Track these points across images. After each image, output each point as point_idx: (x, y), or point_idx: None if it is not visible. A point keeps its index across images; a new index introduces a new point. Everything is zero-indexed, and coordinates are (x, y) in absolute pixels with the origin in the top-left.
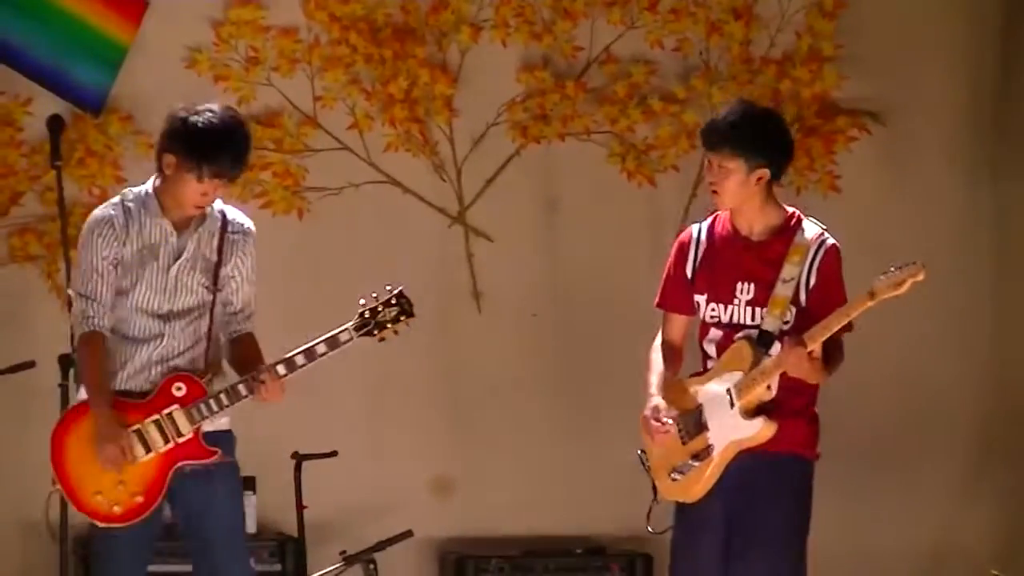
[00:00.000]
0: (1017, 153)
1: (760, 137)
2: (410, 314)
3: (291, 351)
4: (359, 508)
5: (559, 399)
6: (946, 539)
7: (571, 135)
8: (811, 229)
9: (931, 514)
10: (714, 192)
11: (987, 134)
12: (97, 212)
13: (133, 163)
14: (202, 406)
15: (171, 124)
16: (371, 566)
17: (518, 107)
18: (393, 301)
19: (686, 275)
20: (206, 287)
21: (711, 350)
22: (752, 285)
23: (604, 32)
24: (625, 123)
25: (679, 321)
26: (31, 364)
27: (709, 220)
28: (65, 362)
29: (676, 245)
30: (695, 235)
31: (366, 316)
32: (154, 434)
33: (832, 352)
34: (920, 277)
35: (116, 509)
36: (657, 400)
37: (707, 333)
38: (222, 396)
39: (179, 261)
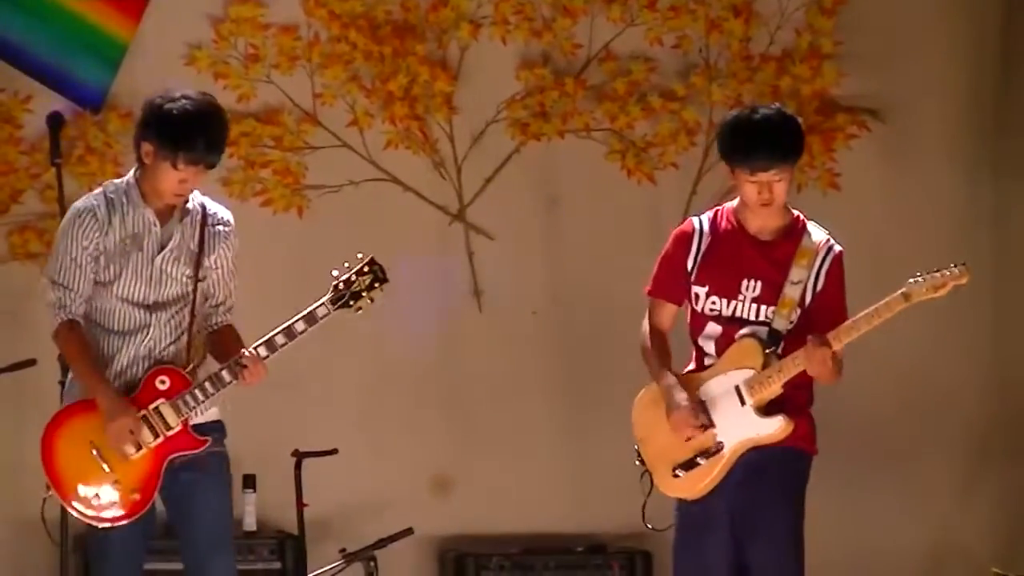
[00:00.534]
0: (1017, 150)
1: (801, 141)
2: (384, 279)
3: (269, 332)
4: (359, 506)
5: (559, 396)
6: (946, 538)
7: (571, 132)
8: (817, 233)
9: (931, 513)
10: (764, 205)
11: (987, 131)
12: (79, 203)
13: (133, 160)
14: (188, 397)
15: (147, 112)
16: (371, 564)
17: (518, 104)
18: (366, 269)
19: (686, 266)
20: (189, 278)
21: (709, 346)
22: (759, 283)
23: (604, 29)
24: (625, 120)
25: (669, 310)
26: (31, 362)
27: (711, 214)
28: (65, 361)
29: (676, 235)
30: (697, 227)
31: (340, 288)
32: (143, 430)
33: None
34: (963, 281)
35: (116, 510)
36: (684, 396)
37: (703, 327)
38: (206, 385)
39: (164, 251)
